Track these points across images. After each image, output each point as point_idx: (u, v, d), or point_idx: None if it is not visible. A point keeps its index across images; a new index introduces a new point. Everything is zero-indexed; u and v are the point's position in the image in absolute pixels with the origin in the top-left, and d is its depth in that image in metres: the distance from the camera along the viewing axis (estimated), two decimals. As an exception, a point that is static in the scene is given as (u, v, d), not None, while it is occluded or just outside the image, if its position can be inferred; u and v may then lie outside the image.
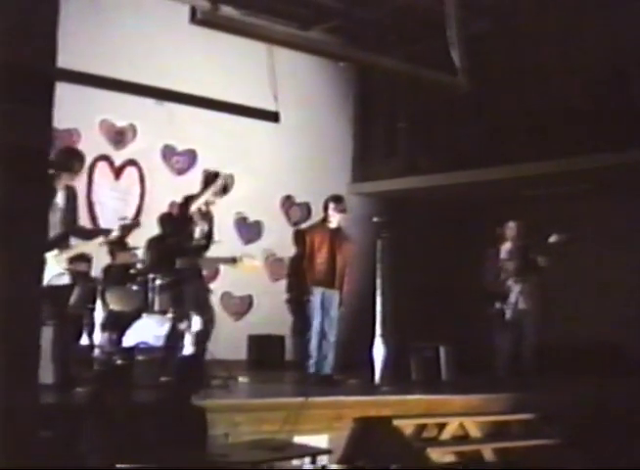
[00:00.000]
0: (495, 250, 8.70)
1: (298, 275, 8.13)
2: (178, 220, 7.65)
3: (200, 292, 7.47)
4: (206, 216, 7.61)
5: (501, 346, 8.46)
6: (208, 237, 7.63)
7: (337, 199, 8.17)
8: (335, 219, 8.08)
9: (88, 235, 6.83)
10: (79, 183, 9.08)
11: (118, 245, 7.39)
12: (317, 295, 7.92)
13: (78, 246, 6.62)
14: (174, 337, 7.25)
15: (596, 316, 9.73)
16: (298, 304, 8.45)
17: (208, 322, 7.37)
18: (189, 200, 7.50)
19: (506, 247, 8.68)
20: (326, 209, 8.13)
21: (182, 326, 7.28)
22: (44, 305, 5.96)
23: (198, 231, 7.54)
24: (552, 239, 8.17)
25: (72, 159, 6.65)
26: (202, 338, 7.31)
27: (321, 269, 7.96)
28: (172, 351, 7.16)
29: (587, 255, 9.68)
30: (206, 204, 7.55)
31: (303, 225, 10.73)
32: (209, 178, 7.62)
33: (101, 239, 6.73)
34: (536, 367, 8.33)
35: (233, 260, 7.76)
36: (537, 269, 8.34)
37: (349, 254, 8.15)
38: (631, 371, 8.66)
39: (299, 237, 8.35)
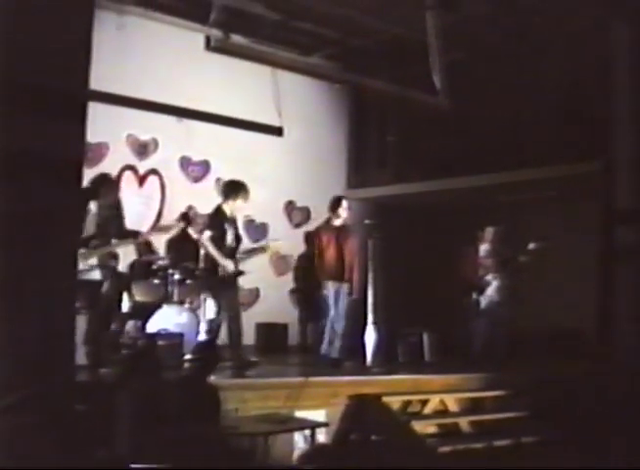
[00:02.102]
0: (474, 248, 8.77)
1: (312, 272, 8.01)
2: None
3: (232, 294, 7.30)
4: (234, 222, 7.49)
5: (476, 331, 8.53)
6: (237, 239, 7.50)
7: (344, 199, 8.13)
8: (341, 218, 7.99)
9: (126, 236, 6.90)
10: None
11: (145, 246, 7.47)
12: (331, 289, 7.82)
13: (111, 246, 6.68)
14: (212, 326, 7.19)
15: (560, 307, 9.78)
16: (307, 296, 8.52)
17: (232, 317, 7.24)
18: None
19: (484, 247, 8.75)
20: (334, 209, 8.00)
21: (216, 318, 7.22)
22: (79, 297, 6.09)
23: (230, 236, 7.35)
24: (531, 246, 8.25)
25: (107, 189, 6.82)
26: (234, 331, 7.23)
27: (331, 265, 7.82)
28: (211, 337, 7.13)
29: (555, 254, 9.73)
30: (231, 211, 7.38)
31: (304, 227, 10.80)
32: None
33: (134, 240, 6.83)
34: (508, 350, 8.39)
35: (263, 249, 7.86)
36: (514, 267, 8.42)
37: (355, 247, 8.02)
38: (588, 354, 8.73)
39: (310, 238, 8.21)
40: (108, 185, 6.90)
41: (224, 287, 7.17)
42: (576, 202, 10.00)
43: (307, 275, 9.04)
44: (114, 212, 6.77)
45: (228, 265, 7.13)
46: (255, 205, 10.60)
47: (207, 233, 7.14)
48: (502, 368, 7.89)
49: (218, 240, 7.16)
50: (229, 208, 7.38)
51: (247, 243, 10.38)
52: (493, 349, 8.34)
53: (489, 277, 8.55)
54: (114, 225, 6.59)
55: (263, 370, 7.72)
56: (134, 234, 7.09)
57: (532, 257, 8.27)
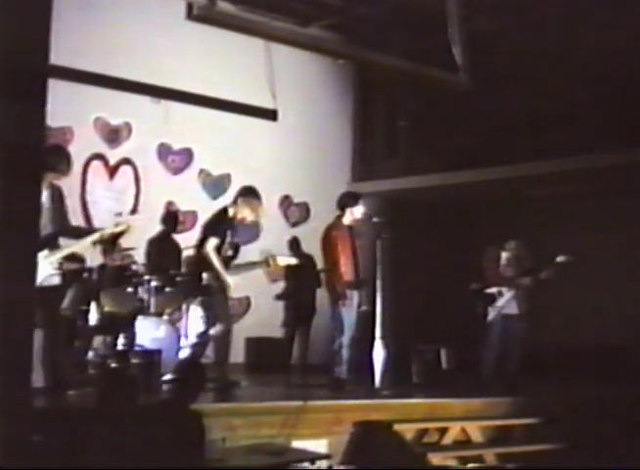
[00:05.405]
0: (497, 253, 8.75)
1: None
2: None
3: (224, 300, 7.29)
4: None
5: (488, 348, 8.49)
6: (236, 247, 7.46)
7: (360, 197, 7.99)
8: (351, 217, 7.78)
9: (79, 234, 6.72)
10: (73, 182, 9.19)
11: (111, 244, 7.32)
12: (349, 300, 7.60)
13: (70, 246, 6.54)
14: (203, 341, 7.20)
15: (598, 321, 9.75)
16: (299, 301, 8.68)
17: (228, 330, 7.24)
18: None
19: (506, 255, 8.74)
20: (349, 206, 7.77)
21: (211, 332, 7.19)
22: (35, 308, 5.93)
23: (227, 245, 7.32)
24: (559, 259, 8.28)
25: (59, 158, 6.57)
26: (222, 343, 7.21)
27: (347, 271, 7.63)
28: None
29: (601, 258, 9.70)
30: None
31: (303, 226, 10.76)
32: None
33: (93, 237, 6.62)
34: (527, 371, 8.35)
35: (266, 263, 7.78)
36: (535, 283, 8.41)
37: (362, 249, 7.84)
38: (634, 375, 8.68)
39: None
40: (66, 159, 6.69)
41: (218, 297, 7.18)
42: (618, 197, 9.96)
43: (300, 278, 9.28)
44: (61, 204, 6.58)
45: (228, 280, 7.14)
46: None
47: (213, 241, 7.13)
48: (525, 392, 7.84)
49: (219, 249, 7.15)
50: (234, 211, 7.36)
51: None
52: (507, 368, 8.32)
53: (503, 288, 8.54)
54: (54, 220, 6.39)
55: (254, 393, 7.67)
56: (78, 232, 6.84)
57: (559, 271, 8.27)
